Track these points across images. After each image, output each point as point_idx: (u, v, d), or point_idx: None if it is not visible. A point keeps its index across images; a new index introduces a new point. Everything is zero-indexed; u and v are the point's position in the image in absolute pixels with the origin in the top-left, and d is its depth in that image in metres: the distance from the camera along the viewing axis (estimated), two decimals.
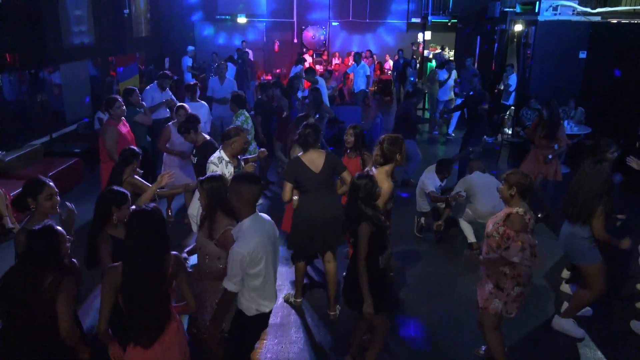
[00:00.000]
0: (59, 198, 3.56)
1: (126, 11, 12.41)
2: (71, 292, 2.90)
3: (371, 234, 3.54)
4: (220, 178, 3.65)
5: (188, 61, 14.02)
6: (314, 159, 4.49)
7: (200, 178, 3.70)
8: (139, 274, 2.80)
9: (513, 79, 11.42)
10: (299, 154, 4.57)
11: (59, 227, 2.98)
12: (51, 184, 3.52)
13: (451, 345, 4.46)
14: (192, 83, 8.15)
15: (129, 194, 3.60)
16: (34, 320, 2.87)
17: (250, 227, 3.13)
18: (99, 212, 3.48)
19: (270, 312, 3.35)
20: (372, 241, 3.55)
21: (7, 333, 2.95)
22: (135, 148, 4.74)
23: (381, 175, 4.23)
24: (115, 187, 3.65)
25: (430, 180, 6.44)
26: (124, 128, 6.24)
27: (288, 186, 4.48)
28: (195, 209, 5.57)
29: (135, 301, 2.82)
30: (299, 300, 4.97)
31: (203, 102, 7.95)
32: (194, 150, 5.51)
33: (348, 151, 5.39)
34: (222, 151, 4.69)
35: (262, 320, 3.35)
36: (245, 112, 6.92)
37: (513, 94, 11.40)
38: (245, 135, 4.80)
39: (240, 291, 3.20)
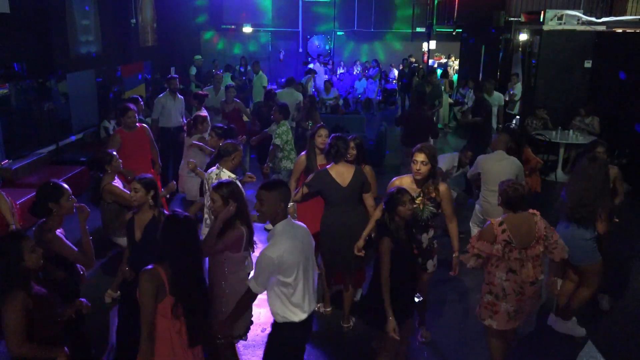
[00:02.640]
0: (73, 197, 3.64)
1: (133, 21, 12.51)
2: (16, 305, 2.75)
3: (393, 251, 3.50)
4: (234, 182, 3.70)
5: (193, 70, 14.11)
6: (342, 173, 4.42)
7: (214, 184, 3.69)
8: (187, 276, 2.91)
9: (518, 88, 11.42)
10: (328, 167, 4.51)
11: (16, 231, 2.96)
12: (65, 185, 3.60)
13: None
14: (200, 93, 8.17)
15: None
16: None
17: (282, 232, 3.13)
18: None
19: (301, 324, 3.22)
20: (394, 259, 3.50)
21: None
22: (110, 152, 4.92)
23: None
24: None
25: (443, 160, 6.18)
26: (133, 136, 6.25)
27: (303, 189, 4.48)
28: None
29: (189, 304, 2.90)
30: (328, 309, 4.95)
31: (206, 112, 7.99)
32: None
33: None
34: (222, 168, 4.61)
35: (291, 332, 3.22)
36: (287, 123, 6.83)
37: (518, 103, 11.40)
38: (241, 150, 4.76)
39: (272, 296, 3.18)
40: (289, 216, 3.23)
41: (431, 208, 4.09)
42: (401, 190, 3.61)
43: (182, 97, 8.38)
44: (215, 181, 4.37)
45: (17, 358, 2.78)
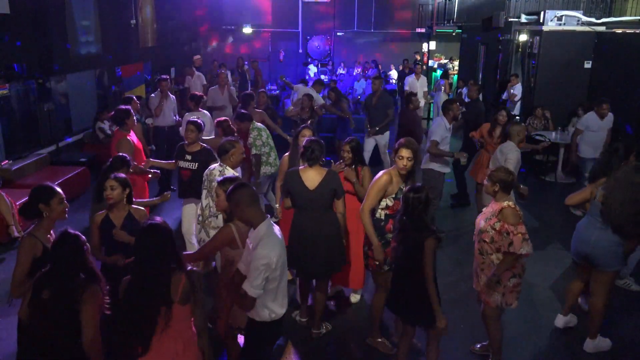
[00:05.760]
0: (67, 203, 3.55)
1: (133, 21, 12.51)
2: (96, 301, 2.80)
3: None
4: (236, 177, 3.77)
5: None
6: (312, 176, 4.30)
7: (219, 179, 3.80)
8: (139, 288, 2.73)
9: (518, 89, 11.42)
10: (301, 167, 4.42)
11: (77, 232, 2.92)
12: (59, 189, 3.50)
13: (447, 343, 4.36)
14: (197, 94, 8.19)
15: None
16: (54, 329, 2.78)
17: (269, 231, 3.06)
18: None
19: (277, 323, 3.25)
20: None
21: (27, 343, 2.87)
22: (126, 156, 4.79)
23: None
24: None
25: (437, 125, 6.12)
26: (134, 137, 6.24)
27: (286, 200, 4.44)
28: (190, 226, 5.52)
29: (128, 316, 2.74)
30: (304, 319, 4.80)
31: (205, 111, 7.93)
32: (190, 156, 5.45)
33: (345, 167, 4.84)
34: (225, 166, 4.59)
35: (268, 330, 3.25)
36: (258, 125, 6.74)
37: (519, 103, 11.39)
38: (241, 146, 4.72)
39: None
40: (268, 216, 3.16)
41: None
42: (419, 189, 3.61)
43: (173, 96, 8.56)
44: (219, 177, 4.41)
45: (87, 353, 2.76)
